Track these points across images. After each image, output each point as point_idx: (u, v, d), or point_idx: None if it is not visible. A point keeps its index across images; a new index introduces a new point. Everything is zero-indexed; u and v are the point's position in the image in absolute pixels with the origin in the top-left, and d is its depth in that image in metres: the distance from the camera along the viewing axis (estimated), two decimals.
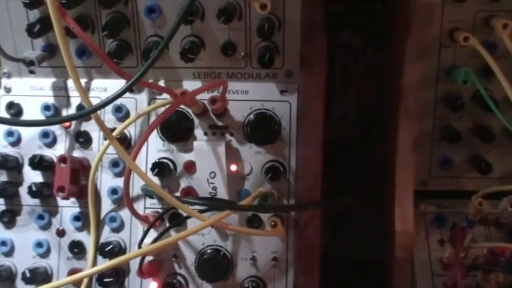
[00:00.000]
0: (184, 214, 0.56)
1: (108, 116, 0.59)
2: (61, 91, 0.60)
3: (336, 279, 0.67)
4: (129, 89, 0.44)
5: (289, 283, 0.58)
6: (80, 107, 0.60)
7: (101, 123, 0.45)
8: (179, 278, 0.58)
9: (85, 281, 0.57)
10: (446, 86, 0.62)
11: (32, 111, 0.60)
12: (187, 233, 0.49)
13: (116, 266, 0.58)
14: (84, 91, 0.43)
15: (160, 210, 0.58)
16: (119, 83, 0.56)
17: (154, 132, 0.58)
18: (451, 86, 0.62)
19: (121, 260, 0.46)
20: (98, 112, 0.57)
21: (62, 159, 0.56)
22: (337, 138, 0.74)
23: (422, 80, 0.61)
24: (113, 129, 0.55)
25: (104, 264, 0.46)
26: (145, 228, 0.55)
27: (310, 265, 0.58)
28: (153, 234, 0.56)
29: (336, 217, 0.74)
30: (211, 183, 0.57)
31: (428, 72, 0.62)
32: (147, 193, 0.57)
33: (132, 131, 0.60)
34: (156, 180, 0.58)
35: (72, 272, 0.59)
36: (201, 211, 0.53)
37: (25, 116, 0.60)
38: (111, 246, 0.57)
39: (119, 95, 0.43)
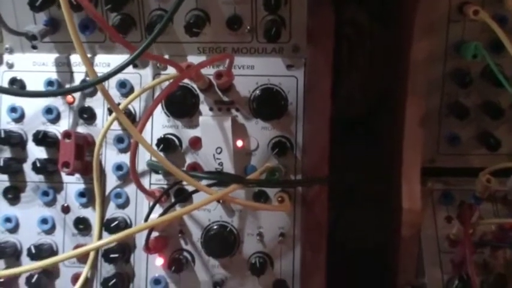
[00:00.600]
0: (190, 190, 0.56)
1: (112, 91, 0.59)
2: (64, 67, 0.60)
3: (342, 259, 0.67)
4: (135, 59, 0.43)
5: (296, 259, 0.58)
6: (83, 82, 0.59)
7: (106, 95, 0.44)
8: (185, 254, 0.58)
9: (91, 256, 0.57)
10: (454, 61, 0.61)
11: (35, 87, 0.59)
12: (194, 206, 0.48)
13: (122, 242, 0.58)
14: (89, 61, 0.42)
15: (166, 187, 0.58)
16: (123, 58, 0.55)
17: (159, 108, 0.58)
18: (459, 61, 0.61)
19: (127, 233, 0.45)
20: None
21: (67, 134, 0.56)
22: (344, 118, 0.73)
23: (430, 57, 0.60)
24: (118, 105, 0.54)
25: (108, 238, 0.46)
26: (152, 203, 0.54)
27: (317, 241, 0.58)
28: (159, 210, 0.56)
29: (343, 197, 0.73)
30: (218, 158, 0.56)
31: (436, 48, 0.61)
32: (153, 168, 0.57)
33: (137, 106, 0.59)
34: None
35: (77, 248, 0.59)
36: (208, 186, 0.52)
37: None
38: (116, 222, 0.57)
39: (125, 65, 0.43)
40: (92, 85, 0.44)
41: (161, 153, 0.57)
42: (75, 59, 0.60)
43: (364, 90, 0.75)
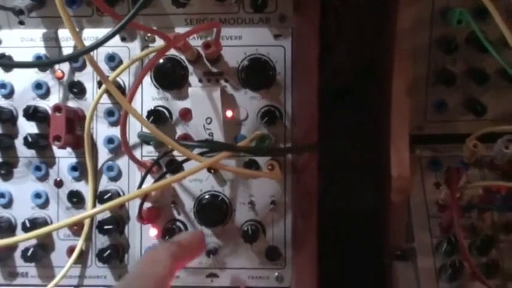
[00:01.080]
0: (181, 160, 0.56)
1: (101, 65, 0.59)
2: (52, 41, 0.60)
3: (333, 226, 0.68)
4: (123, 27, 0.43)
5: (287, 226, 0.59)
6: None
7: (94, 65, 0.45)
8: (178, 223, 0.59)
9: (85, 228, 0.58)
10: (440, 28, 0.62)
11: None
12: (185, 173, 0.49)
13: (116, 213, 0.59)
14: (76, 32, 0.42)
15: None
16: None
17: (149, 80, 0.58)
18: (445, 28, 0.61)
19: (120, 201, 0.46)
20: None
21: (57, 108, 0.56)
22: (332, 87, 0.74)
23: (417, 24, 0.61)
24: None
25: (101, 206, 0.46)
26: (143, 173, 0.55)
27: (308, 208, 0.59)
28: (151, 181, 0.56)
29: (333, 165, 0.74)
30: (208, 129, 0.57)
31: (422, 16, 0.61)
32: (144, 139, 0.57)
33: (126, 79, 0.59)
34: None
35: None
36: (199, 154, 0.53)
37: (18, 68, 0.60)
38: (109, 195, 0.57)
39: (113, 34, 0.43)
40: (80, 54, 0.45)
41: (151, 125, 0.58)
42: (63, 33, 0.59)
43: (352, 60, 0.75)
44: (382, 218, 0.67)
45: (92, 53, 0.57)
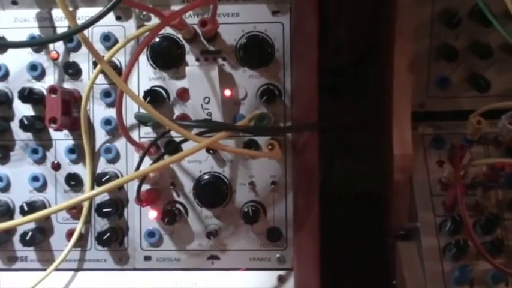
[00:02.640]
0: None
1: (96, 45, 0.58)
2: (46, 22, 0.59)
3: (336, 205, 0.67)
4: (115, 5, 0.42)
5: (288, 206, 0.58)
6: None
7: (88, 44, 0.43)
8: (178, 205, 0.58)
9: (84, 211, 0.57)
10: (442, 2, 0.60)
11: None
12: (184, 154, 0.48)
13: (115, 196, 0.58)
14: (69, 10, 0.41)
15: None
16: None
17: (145, 60, 0.57)
18: (447, 2, 0.60)
19: (119, 183, 0.45)
20: None
21: (52, 89, 0.55)
22: (333, 66, 0.72)
23: None
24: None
25: (99, 188, 0.46)
26: (141, 154, 0.54)
27: (309, 187, 0.58)
28: (149, 163, 0.55)
29: (335, 144, 0.73)
30: (206, 108, 0.56)
31: None
32: (141, 120, 0.56)
33: (122, 60, 0.58)
34: None
35: None
36: (197, 134, 0.52)
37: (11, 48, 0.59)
38: (107, 177, 0.57)
39: (105, 13, 0.42)
40: (74, 33, 0.43)
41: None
42: (57, 13, 0.58)
43: (353, 37, 0.74)
44: (386, 197, 0.66)
45: (86, 33, 0.57)
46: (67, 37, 0.55)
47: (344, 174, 0.76)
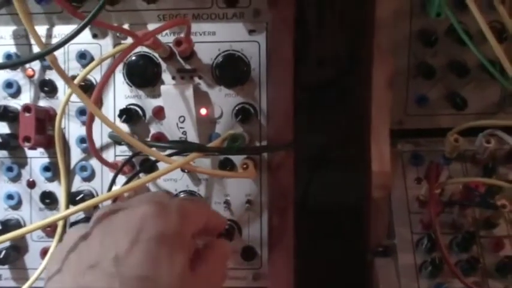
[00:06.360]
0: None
1: (72, 63, 0.58)
2: (22, 39, 0.58)
3: (313, 222, 0.67)
4: (83, 28, 0.41)
5: (263, 225, 0.58)
6: None
7: (56, 66, 0.43)
8: None
9: (59, 229, 0.57)
10: (420, 21, 0.60)
11: None
12: (156, 174, 0.48)
13: (90, 214, 0.58)
14: (36, 31, 0.41)
15: None
16: None
17: (121, 78, 0.57)
18: (425, 20, 0.60)
19: (90, 204, 0.45)
20: (62, 60, 0.57)
21: (26, 108, 0.55)
22: (313, 83, 0.72)
23: (396, 15, 0.60)
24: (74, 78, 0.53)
25: (74, 208, 0.45)
26: (114, 173, 0.54)
27: (284, 206, 0.58)
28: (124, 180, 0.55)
29: (313, 160, 0.73)
30: (181, 127, 0.56)
31: (401, 7, 0.60)
32: (115, 139, 0.56)
33: (98, 77, 0.58)
34: (125, 127, 0.57)
35: None
36: (170, 155, 0.52)
37: None
38: (82, 195, 0.56)
39: (73, 35, 0.41)
40: (42, 56, 0.43)
41: (124, 124, 0.57)
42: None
43: (333, 55, 0.74)
44: (363, 214, 0.66)
45: (62, 51, 0.57)
46: (38, 59, 0.55)
47: (323, 188, 0.76)
